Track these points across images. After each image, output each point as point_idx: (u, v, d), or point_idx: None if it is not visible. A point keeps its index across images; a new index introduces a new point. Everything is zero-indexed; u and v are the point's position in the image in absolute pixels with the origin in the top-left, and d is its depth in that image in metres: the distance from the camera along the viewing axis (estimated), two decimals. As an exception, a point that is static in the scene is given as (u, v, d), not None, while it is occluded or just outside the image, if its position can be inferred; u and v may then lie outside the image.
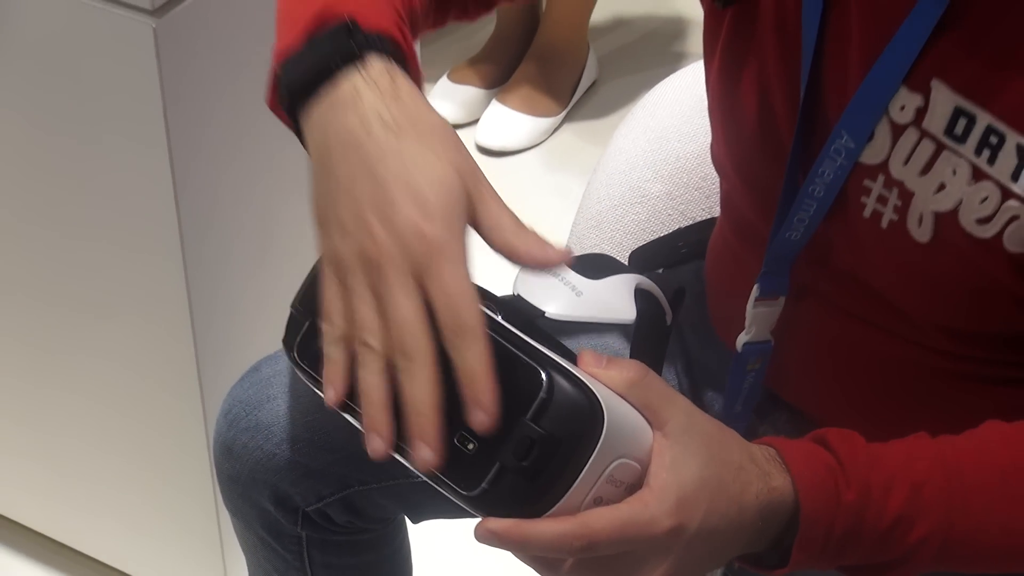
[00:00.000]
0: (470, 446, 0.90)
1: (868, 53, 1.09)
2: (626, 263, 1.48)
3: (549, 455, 0.90)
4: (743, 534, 0.97)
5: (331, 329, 0.92)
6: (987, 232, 1.06)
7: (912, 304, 1.15)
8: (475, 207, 0.94)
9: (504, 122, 2.71)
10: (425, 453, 0.88)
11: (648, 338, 1.33)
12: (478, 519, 1.13)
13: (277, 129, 1.11)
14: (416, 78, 1.00)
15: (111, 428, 1.80)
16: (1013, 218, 1.03)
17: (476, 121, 2.74)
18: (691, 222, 1.51)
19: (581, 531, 0.90)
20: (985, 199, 1.05)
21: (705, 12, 1.22)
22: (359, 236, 0.91)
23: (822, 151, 1.12)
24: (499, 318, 0.94)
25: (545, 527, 0.89)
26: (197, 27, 1.52)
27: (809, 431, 1.25)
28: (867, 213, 1.12)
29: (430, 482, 0.92)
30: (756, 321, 1.24)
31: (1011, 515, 1.05)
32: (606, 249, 1.55)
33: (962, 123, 1.05)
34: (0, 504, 2.01)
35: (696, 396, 1.38)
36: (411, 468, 0.92)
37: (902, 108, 1.08)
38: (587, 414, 0.91)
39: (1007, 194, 1.03)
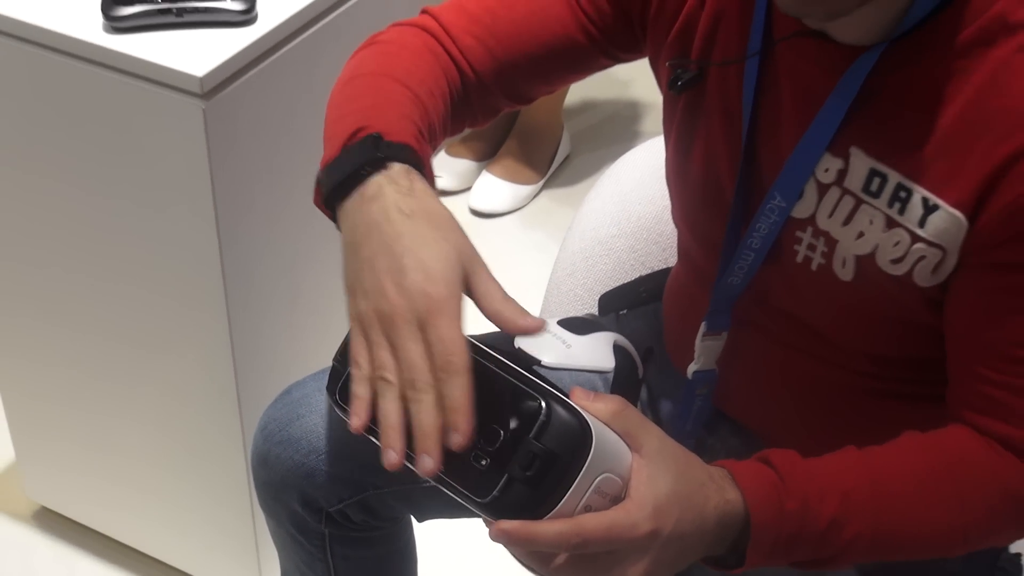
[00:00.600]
0: (483, 462, 0.93)
1: (798, 126, 1.09)
2: (596, 305, 1.48)
3: (548, 467, 0.92)
4: (706, 539, 0.99)
5: (358, 372, 0.96)
6: (900, 270, 1.06)
7: (840, 334, 1.16)
8: (470, 279, 0.98)
9: (492, 189, 2.71)
10: (427, 463, 0.92)
11: (624, 384, 1.33)
12: (473, 518, 1.15)
13: (307, 195, 1.13)
14: (429, 178, 1.05)
15: (163, 445, 1.79)
16: (921, 258, 1.05)
17: (469, 188, 2.73)
18: (650, 271, 1.51)
19: (576, 531, 0.92)
20: (897, 243, 1.06)
21: (664, 97, 1.23)
22: (377, 298, 0.96)
23: (759, 210, 1.13)
24: (504, 359, 0.97)
25: (547, 527, 0.91)
26: (240, 108, 1.52)
27: (752, 443, 1.27)
28: (799, 259, 1.13)
29: (449, 492, 0.94)
30: (704, 353, 1.24)
31: (926, 512, 1.06)
32: (579, 293, 1.55)
33: (876, 182, 1.06)
34: (74, 512, 1.99)
35: (654, 413, 1.38)
36: (433, 481, 0.94)
37: (826, 170, 1.09)
38: (579, 434, 0.93)
39: (915, 238, 1.04)
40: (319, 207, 1.09)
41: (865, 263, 1.09)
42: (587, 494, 0.94)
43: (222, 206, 1.54)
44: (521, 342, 1.23)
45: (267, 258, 1.65)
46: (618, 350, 1.32)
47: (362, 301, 0.98)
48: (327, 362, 1.16)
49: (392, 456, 0.92)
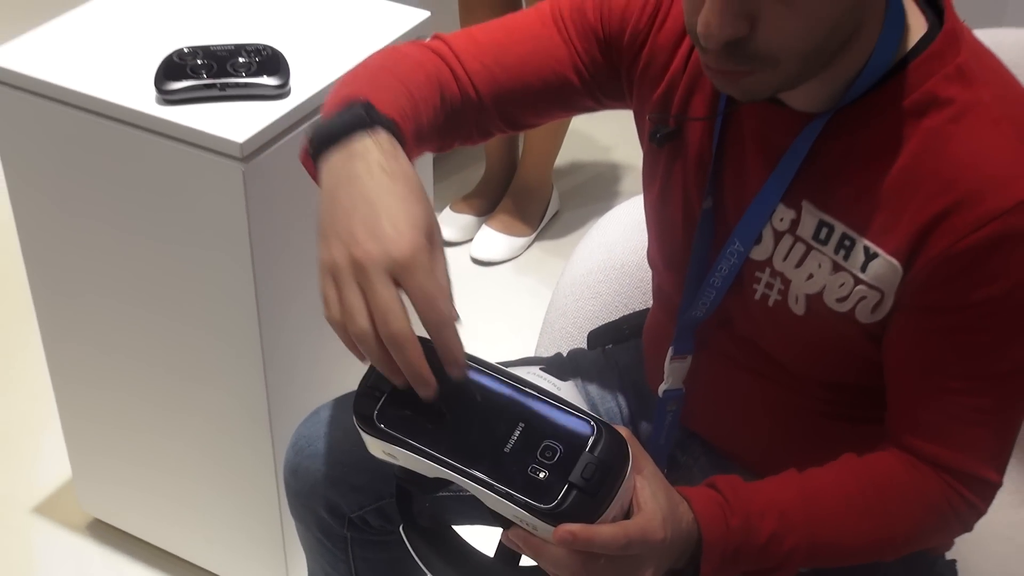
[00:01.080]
0: (541, 475, 0.93)
1: (758, 180, 1.09)
2: (585, 340, 1.47)
3: (604, 475, 0.93)
4: (676, 551, 0.99)
5: (330, 314, 0.93)
6: (844, 308, 1.07)
7: (792, 361, 1.16)
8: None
9: (490, 241, 2.70)
10: (428, 391, 0.92)
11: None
12: (475, 525, 1.16)
13: None
14: (409, 154, 1.02)
15: (202, 462, 1.79)
16: (862, 298, 1.05)
17: (470, 240, 2.73)
18: (632, 311, 1.51)
19: (624, 534, 0.93)
20: (842, 284, 1.06)
21: (644, 152, 1.22)
22: (351, 245, 0.92)
23: (721, 251, 1.13)
24: (542, 391, 0.98)
25: (603, 530, 0.92)
26: (275, 170, 1.52)
27: (718, 461, 1.27)
28: (758, 296, 1.13)
29: (508, 502, 0.92)
30: (671, 373, 1.23)
31: (855, 526, 1.06)
32: (570, 331, 1.54)
33: (824, 231, 1.06)
34: (123, 522, 1.99)
35: (634, 428, 1.37)
36: (490, 491, 0.93)
37: (781, 220, 1.09)
38: (623, 446, 0.95)
39: (857, 281, 1.05)
40: (303, 162, 1.07)
41: (814, 301, 1.09)
42: (619, 504, 0.95)
43: (258, 254, 1.54)
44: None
45: (296, 299, 1.65)
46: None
47: (336, 247, 0.94)
48: (348, 387, 1.16)
49: (426, 392, 0.92)
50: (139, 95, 1.52)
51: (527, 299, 2.55)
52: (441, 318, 0.92)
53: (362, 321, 0.91)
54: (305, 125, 1.55)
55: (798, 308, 1.11)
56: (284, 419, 1.69)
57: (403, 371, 0.92)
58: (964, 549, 1.28)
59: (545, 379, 1.32)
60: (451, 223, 2.74)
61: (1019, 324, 1.02)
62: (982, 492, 1.09)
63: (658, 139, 1.18)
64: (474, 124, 1.21)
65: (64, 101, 1.55)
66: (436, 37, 1.21)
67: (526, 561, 1.01)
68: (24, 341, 2.32)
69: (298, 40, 1.63)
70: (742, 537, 1.02)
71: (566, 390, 1.32)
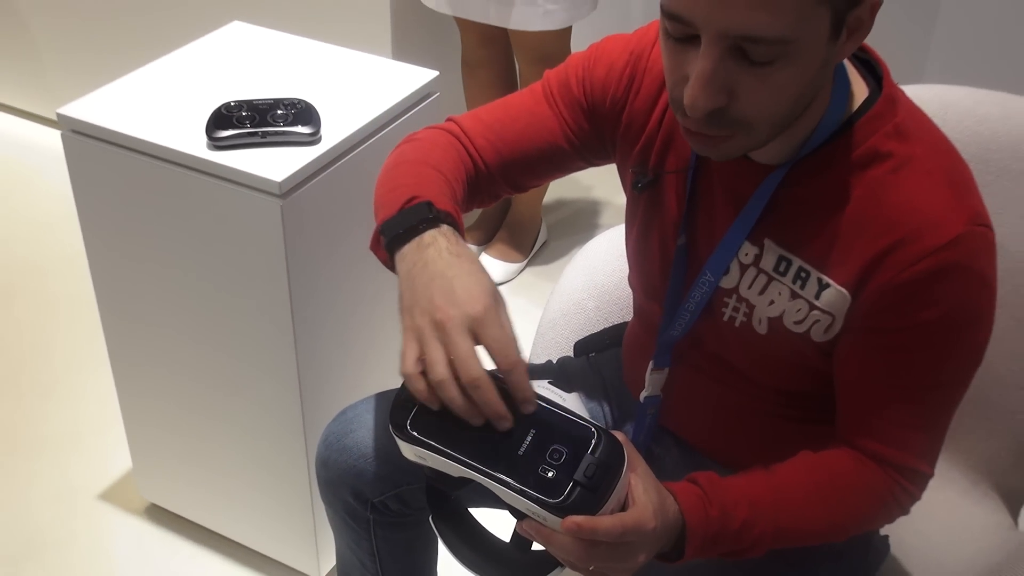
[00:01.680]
0: (550, 474, 0.94)
1: (727, 220, 1.10)
2: (572, 350, 1.47)
3: (604, 474, 0.94)
4: (664, 537, 0.99)
5: (405, 369, 0.96)
6: (800, 329, 1.07)
7: (755, 373, 1.16)
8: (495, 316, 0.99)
9: (489, 267, 2.65)
10: (505, 424, 0.95)
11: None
12: (482, 508, 1.14)
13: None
14: (463, 236, 1.06)
15: (244, 456, 1.79)
16: (816, 320, 1.06)
17: None
18: (612, 324, 1.51)
19: (621, 524, 0.94)
20: (799, 310, 1.07)
21: (627, 197, 1.22)
22: (432, 311, 0.95)
23: (694, 282, 1.13)
24: (552, 403, 0.99)
25: (604, 521, 0.93)
26: (308, 205, 1.52)
27: (688, 453, 1.27)
28: (726, 318, 1.13)
29: (521, 496, 0.93)
30: (651, 383, 1.23)
31: (814, 513, 1.07)
32: (559, 341, 1.54)
33: (783, 264, 1.07)
34: (177, 507, 1.99)
35: (616, 427, 1.37)
36: (507, 488, 0.94)
37: (746, 255, 1.09)
38: (620, 449, 0.96)
39: (812, 307, 1.06)
40: (375, 251, 1.09)
41: (775, 323, 1.10)
42: (616, 498, 0.95)
43: (293, 278, 1.54)
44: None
45: (326, 317, 1.65)
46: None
47: (418, 316, 0.96)
48: (367, 392, 1.17)
49: (504, 423, 0.95)
50: (192, 142, 1.52)
51: (521, 315, 2.47)
52: (512, 362, 0.95)
53: (443, 371, 0.94)
54: (335, 166, 1.55)
55: (761, 329, 1.11)
56: (315, 420, 1.68)
57: (482, 409, 0.94)
58: (894, 525, 1.28)
59: (553, 391, 1.33)
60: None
61: (950, 344, 1.03)
62: (918, 482, 1.10)
63: (639, 188, 1.18)
64: (486, 191, 1.23)
65: (128, 147, 1.56)
66: (450, 119, 1.23)
67: (536, 545, 1.01)
68: (94, 356, 2.32)
69: (327, 95, 1.63)
70: (719, 524, 1.02)
71: (571, 400, 1.33)
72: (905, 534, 1.31)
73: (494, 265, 2.69)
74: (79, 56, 2.98)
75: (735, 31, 0.88)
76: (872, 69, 1.07)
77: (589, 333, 1.50)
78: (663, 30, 0.95)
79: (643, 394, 1.25)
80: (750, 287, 1.11)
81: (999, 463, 1.42)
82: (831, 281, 1.04)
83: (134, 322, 1.76)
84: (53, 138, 3.07)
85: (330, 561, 1.84)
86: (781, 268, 1.08)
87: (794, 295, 1.07)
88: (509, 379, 0.95)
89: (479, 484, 0.97)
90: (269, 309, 1.58)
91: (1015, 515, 1.42)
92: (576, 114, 1.19)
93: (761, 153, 1.05)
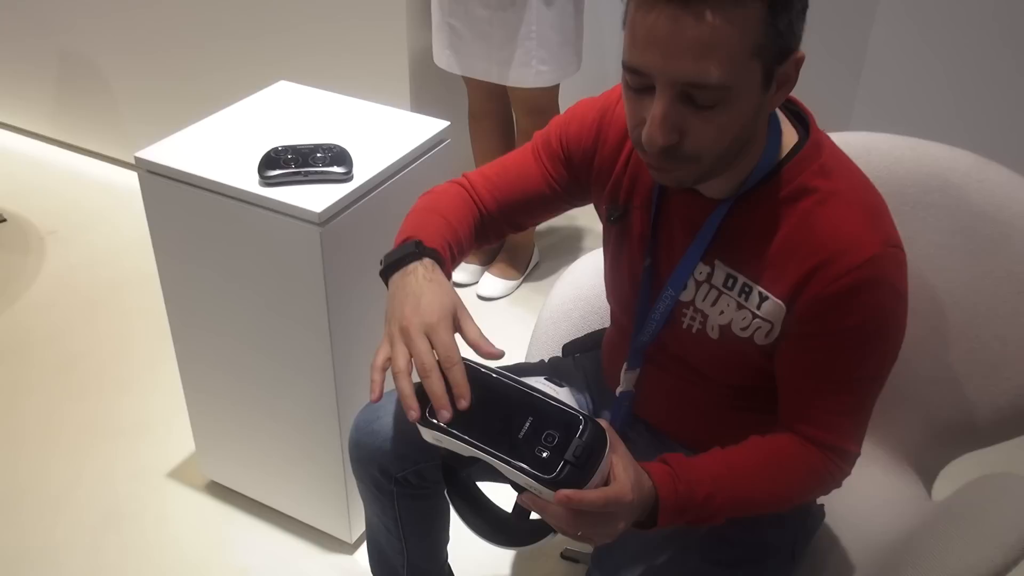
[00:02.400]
0: (544, 454, 0.94)
1: (683, 246, 1.10)
2: (561, 350, 1.47)
3: (589, 454, 0.94)
4: (640, 508, 0.99)
5: (375, 363, 1.00)
6: (746, 334, 1.08)
7: (710, 371, 1.16)
8: (459, 319, 1.03)
9: (490, 283, 2.68)
10: (444, 415, 0.96)
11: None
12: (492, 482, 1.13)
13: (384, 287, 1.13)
14: (447, 272, 1.09)
15: (289, 440, 1.78)
16: (758, 327, 1.06)
17: (476, 283, 2.70)
18: (593, 330, 1.50)
19: (604, 497, 0.94)
20: (744, 318, 1.07)
21: (603, 226, 1.23)
22: (402, 319, 1.00)
23: (659, 296, 1.14)
24: (548, 396, 0.99)
25: (589, 494, 0.93)
26: (343, 232, 1.52)
27: (657, 437, 1.26)
28: (685, 326, 1.13)
29: (521, 473, 0.94)
30: (625, 381, 1.24)
31: (763, 487, 1.07)
32: (550, 344, 1.54)
33: (731, 281, 1.07)
34: (233, 483, 1.98)
35: (598, 415, 1.37)
36: (509, 466, 0.94)
37: (700, 273, 1.10)
38: (603, 435, 0.96)
39: (755, 316, 1.06)
40: (381, 276, 1.12)
41: (725, 329, 1.10)
42: (601, 476, 0.95)
43: (330, 293, 1.54)
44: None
45: (358, 325, 1.64)
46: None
47: (393, 323, 1.02)
48: (392, 387, 1.15)
49: (412, 414, 0.96)
50: (246, 179, 1.52)
51: (518, 323, 2.54)
52: (453, 362, 0.98)
53: (403, 362, 0.99)
54: (366, 199, 1.55)
55: (714, 334, 1.12)
56: (347, 410, 1.68)
57: (428, 388, 0.97)
58: (828, 497, 1.28)
59: (548, 385, 1.31)
60: (463, 270, 2.73)
61: (870, 345, 1.03)
62: (848, 460, 1.10)
63: (612, 220, 1.19)
64: (491, 232, 1.25)
65: (193, 184, 1.56)
66: (463, 175, 1.26)
67: (533, 515, 1.01)
68: (163, 358, 2.32)
69: (357, 140, 1.64)
70: (686, 497, 1.02)
71: (563, 393, 1.31)
72: (838, 505, 1.31)
73: (495, 281, 2.69)
74: (152, 109, 2.99)
75: (683, 79, 0.89)
76: (801, 119, 1.08)
77: (575, 337, 1.49)
78: (624, 83, 0.96)
79: (619, 389, 1.25)
80: (704, 300, 1.11)
81: (915, 445, 1.42)
82: (770, 294, 1.05)
83: (198, 329, 1.76)
84: (130, 177, 3.09)
85: (359, 528, 1.84)
86: (729, 284, 1.08)
87: (740, 306, 1.07)
88: (449, 374, 0.98)
89: (486, 462, 0.97)
90: (310, 318, 1.58)
91: (928, 488, 1.42)
92: (557, 165, 1.21)
93: (710, 189, 1.06)
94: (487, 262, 2.77)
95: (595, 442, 0.96)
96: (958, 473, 1.41)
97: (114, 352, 2.40)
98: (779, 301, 1.04)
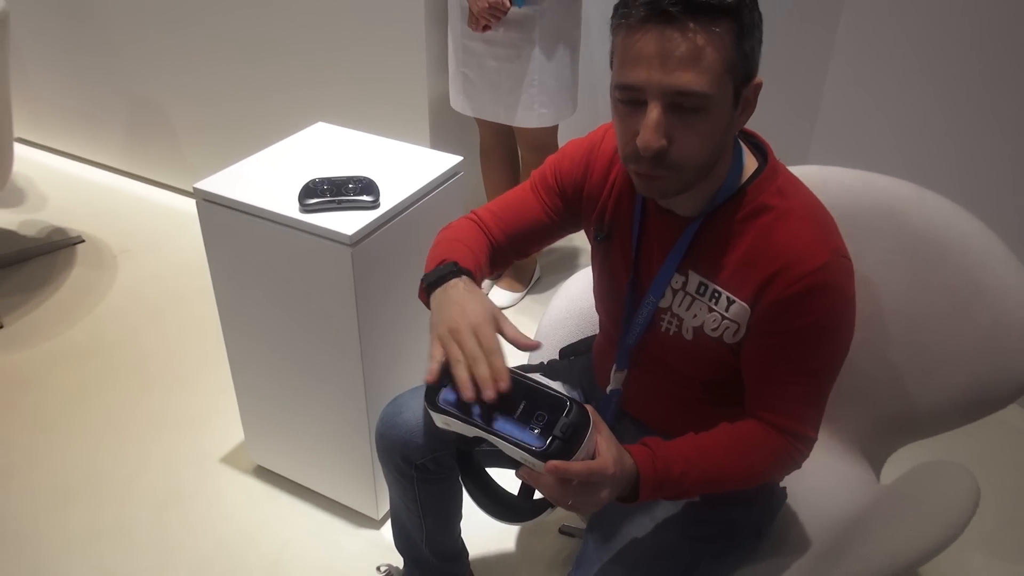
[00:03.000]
0: (536, 431, 0.95)
1: (660, 260, 1.10)
2: (558, 354, 1.46)
3: (575, 431, 0.95)
4: (622, 483, 0.99)
5: (437, 358, 0.99)
6: (716, 334, 1.07)
7: (685, 368, 1.16)
8: (499, 322, 1.01)
9: (499, 295, 2.66)
10: (489, 393, 0.95)
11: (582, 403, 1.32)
12: (500, 468, 1.13)
13: (411, 301, 1.12)
14: (478, 284, 1.09)
15: (325, 431, 1.78)
16: (727, 328, 1.05)
17: (487, 294, 2.69)
18: (585, 336, 1.50)
19: (588, 468, 0.94)
20: (715, 320, 1.07)
21: (592, 246, 1.23)
22: (451, 323, 0.99)
23: (641, 303, 1.14)
24: (542, 384, 1.00)
25: (574, 465, 0.94)
26: (372, 252, 1.52)
27: (642, 428, 1.25)
28: (663, 329, 1.13)
29: (516, 448, 0.95)
30: (614, 380, 1.24)
31: (730, 466, 1.06)
32: (549, 348, 1.53)
33: (703, 288, 1.07)
34: (277, 467, 1.97)
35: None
36: (506, 443, 0.95)
37: (676, 282, 1.10)
38: (586, 416, 0.97)
39: (723, 318, 1.06)
40: (420, 298, 1.12)
41: (698, 331, 1.10)
42: (586, 451, 0.96)
43: (360, 305, 1.54)
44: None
45: (384, 333, 1.64)
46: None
47: (442, 327, 1.01)
48: (409, 386, 1.16)
49: (468, 392, 0.95)
50: (289, 206, 1.53)
51: (522, 330, 2.49)
52: (495, 353, 0.97)
53: (458, 353, 0.99)
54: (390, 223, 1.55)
55: (688, 336, 1.11)
56: (374, 406, 1.68)
57: (481, 373, 0.96)
58: (790, 479, 1.28)
59: (544, 379, 1.32)
60: (476, 283, 2.72)
61: (821, 341, 1.02)
62: (807, 443, 1.09)
63: (599, 239, 1.19)
64: (501, 259, 1.25)
65: (244, 211, 1.56)
66: (473, 212, 1.26)
67: (536, 496, 1.01)
68: (217, 360, 2.33)
69: (384, 173, 1.64)
70: (664, 473, 1.02)
71: (556, 386, 1.31)
72: (797, 487, 1.31)
73: (502, 293, 2.68)
74: (208, 146, 3.00)
75: (673, 88, 0.91)
76: (760, 149, 1.08)
77: (570, 342, 1.49)
78: (615, 102, 0.97)
79: (608, 388, 1.25)
80: (679, 305, 1.11)
81: (864, 435, 1.41)
82: (736, 298, 1.04)
83: (246, 335, 1.76)
84: (189, 204, 3.11)
85: (385, 506, 1.84)
86: (701, 290, 1.08)
87: (710, 310, 1.07)
88: (492, 363, 0.97)
89: (489, 442, 0.97)
90: (342, 325, 1.58)
91: (877, 473, 1.41)
92: (553, 197, 1.22)
93: (683, 207, 1.06)
94: (496, 276, 2.76)
95: (579, 421, 0.96)
96: (905, 459, 1.40)
97: (175, 354, 2.40)
98: (744, 304, 1.04)
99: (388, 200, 1.56)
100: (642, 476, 1.01)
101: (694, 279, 1.09)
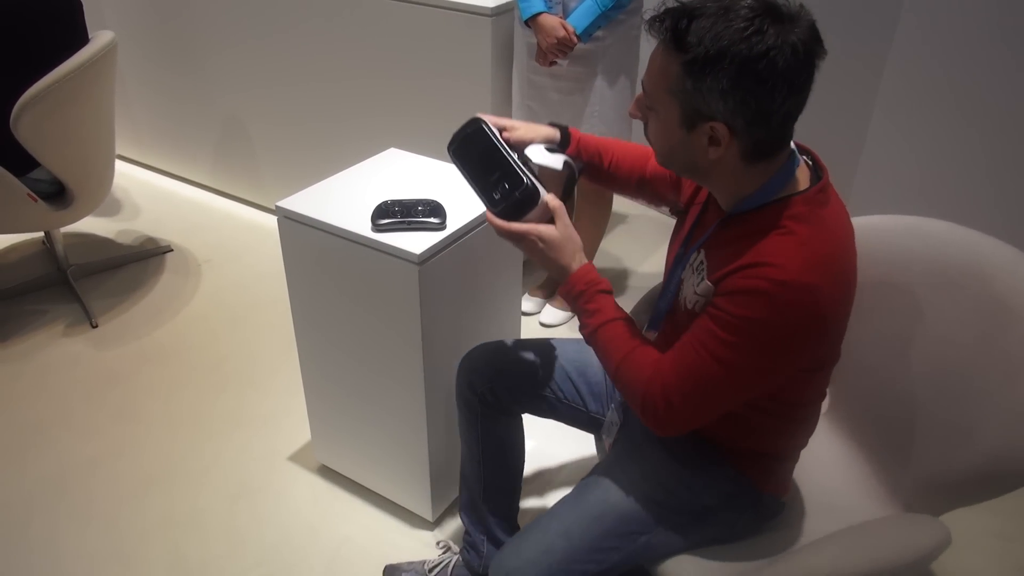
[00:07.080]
0: (497, 196, 1.16)
1: (697, 239, 1.17)
2: None
3: (523, 203, 1.14)
4: (554, 260, 1.15)
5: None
6: (698, 308, 1.12)
7: (687, 327, 1.16)
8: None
9: (551, 313, 2.64)
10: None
11: (568, 181, 1.31)
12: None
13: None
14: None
15: (386, 433, 1.78)
16: (696, 301, 1.13)
17: (539, 312, 2.67)
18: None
19: (524, 229, 1.14)
20: (694, 295, 1.14)
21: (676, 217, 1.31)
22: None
23: (671, 275, 1.21)
24: (514, 155, 1.17)
25: (514, 224, 1.14)
26: (438, 271, 1.53)
27: None
28: (681, 299, 1.18)
29: (486, 203, 1.16)
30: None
31: (615, 351, 1.13)
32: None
33: (700, 266, 1.13)
34: (340, 467, 1.98)
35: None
36: (479, 196, 1.17)
37: (694, 260, 1.15)
38: (536, 195, 1.14)
39: (695, 293, 1.13)
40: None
41: (688, 301, 1.15)
42: (531, 219, 1.14)
43: (425, 320, 1.55)
44: (528, 150, 1.28)
45: (446, 344, 1.65)
46: (567, 164, 1.29)
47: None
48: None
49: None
50: (362, 226, 1.54)
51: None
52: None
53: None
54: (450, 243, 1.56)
55: (688, 305, 1.15)
56: (432, 413, 1.68)
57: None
58: (805, 482, 1.26)
59: (539, 148, 1.29)
60: (529, 301, 2.72)
61: (738, 339, 1.01)
62: (660, 402, 1.08)
63: (675, 214, 1.30)
64: (606, 158, 1.37)
65: (321, 228, 1.58)
66: None
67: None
68: (289, 364, 2.36)
69: (451, 197, 1.65)
70: (588, 288, 1.15)
71: (553, 159, 1.29)
72: (825, 525, 1.27)
73: (555, 312, 2.67)
74: (290, 168, 3.07)
75: (643, 81, 1.04)
76: (819, 175, 1.09)
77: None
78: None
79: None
80: (688, 279, 1.16)
81: (907, 490, 1.32)
82: (706, 279, 1.08)
83: (317, 342, 1.78)
84: (270, 220, 3.18)
85: (440, 508, 1.84)
86: (698, 267, 1.13)
87: (694, 285, 1.12)
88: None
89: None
90: (406, 337, 1.59)
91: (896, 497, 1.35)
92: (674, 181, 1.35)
93: (721, 201, 1.11)
94: (549, 295, 2.75)
95: (529, 198, 1.12)
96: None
97: (251, 357, 2.44)
98: (709, 283, 1.07)
99: (454, 222, 1.56)
100: (573, 273, 1.15)
101: (699, 257, 1.13)
